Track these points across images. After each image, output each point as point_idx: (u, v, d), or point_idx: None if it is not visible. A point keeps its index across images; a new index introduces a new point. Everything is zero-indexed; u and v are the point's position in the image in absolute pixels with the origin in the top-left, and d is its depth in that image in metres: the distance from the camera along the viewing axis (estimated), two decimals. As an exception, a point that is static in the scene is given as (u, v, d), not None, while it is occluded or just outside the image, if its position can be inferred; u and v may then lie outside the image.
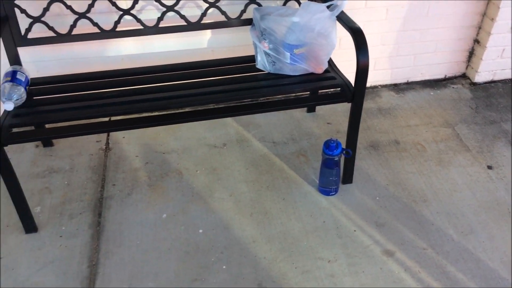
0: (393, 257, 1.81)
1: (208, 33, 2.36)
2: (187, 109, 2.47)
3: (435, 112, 2.58)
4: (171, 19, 2.07)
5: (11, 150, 1.71)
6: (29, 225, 1.89)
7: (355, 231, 1.92)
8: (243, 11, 2.11)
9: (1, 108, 1.80)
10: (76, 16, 1.97)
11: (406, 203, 2.04)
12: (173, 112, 2.01)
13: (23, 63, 2.01)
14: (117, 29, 2.03)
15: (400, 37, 2.61)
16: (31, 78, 1.97)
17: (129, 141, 2.39)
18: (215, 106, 2.32)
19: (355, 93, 1.85)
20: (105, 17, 2.07)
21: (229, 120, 2.53)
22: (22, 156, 2.28)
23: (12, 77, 1.79)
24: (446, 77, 2.85)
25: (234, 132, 2.45)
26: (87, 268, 1.78)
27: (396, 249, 1.84)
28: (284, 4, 2.15)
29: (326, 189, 2.06)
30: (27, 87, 1.86)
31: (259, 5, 2.12)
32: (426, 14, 2.55)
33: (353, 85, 1.86)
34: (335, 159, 1.94)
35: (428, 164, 2.24)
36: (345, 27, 1.85)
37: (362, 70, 1.78)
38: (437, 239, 1.88)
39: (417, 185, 2.12)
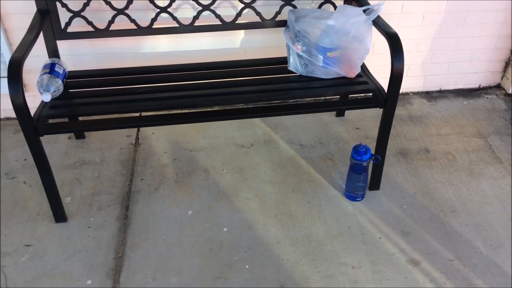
0: (419, 267, 1.79)
1: (241, 33, 2.38)
2: (216, 108, 2.49)
3: (468, 122, 2.53)
4: (206, 18, 2.09)
5: (45, 141, 1.76)
6: (59, 214, 1.94)
7: (380, 238, 1.90)
8: (278, 13, 2.11)
9: (37, 99, 1.85)
10: (115, 12, 2.01)
11: (434, 213, 2.01)
12: (202, 110, 2.04)
13: (61, 56, 2.07)
14: (153, 27, 2.06)
15: (435, 44, 2.57)
16: (68, 71, 2.02)
17: (158, 137, 2.42)
18: (245, 106, 2.34)
19: (387, 99, 1.83)
20: (142, 14, 2.10)
21: (257, 121, 2.54)
22: (55, 147, 2.35)
23: (51, 69, 1.84)
24: (481, 86, 2.79)
25: (261, 133, 2.45)
26: (113, 260, 1.81)
27: (422, 259, 1.81)
28: (320, 6, 2.15)
29: (353, 194, 2.04)
30: (64, 80, 1.91)
31: (294, 7, 2.12)
32: (463, 22, 2.50)
33: (385, 90, 1.84)
34: (364, 164, 1.92)
35: (458, 174, 2.20)
36: (381, 32, 1.83)
37: (396, 76, 1.76)
38: (464, 251, 1.84)
39: (446, 195, 2.09)
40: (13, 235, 1.90)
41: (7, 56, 2.27)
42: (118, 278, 1.75)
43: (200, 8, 2.07)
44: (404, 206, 2.04)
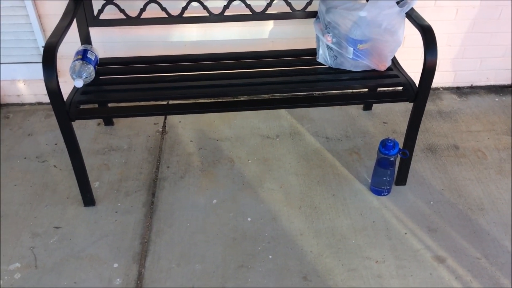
0: (444, 264, 1.76)
1: (270, 24, 2.37)
2: (243, 98, 2.49)
3: (499, 119, 2.47)
4: (236, 8, 2.09)
5: (75, 126, 1.79)
6: (88, 198, 1.98)
7: (405, 234, 1.88)
8: (309, 3, 2.09)
9: (68, 85, 1.89)
10: (147, 0, 2.03)
11: (462, 210, 1.97)
12: (229, 100, 2.04)
13: (92, 43, 2.10)
14: (184, 15, 2.07)
15: (467, 39, 2.51)
16: (99, 58, 2.05)
17: (184, 126, 2.45)
18: (271, 97, 2.33)
19: (418, 93, 1.80)
20: (173, 3, 2.11)
21: (283, 112, 2.53)
22: (85, 133, 2.39)
23: (83, 55, 1.87)
24: (513, 83, 2.73)
25: (287, 125, 2.45)
26: (139, 245, 1.84)
27: (447, 256, 1.79)
28: (351, -2, 2.12)
29: (378, 189, 2.03)
30: (96, 66, 1.94)
31: (325, -2, 2.10)
32: (498, 17, 2.43)
33: (416, 84, 1.82)
34: (391, 159, 1.90)
35: (488, 172, 2.15)
36: (414, 24, 1.80)
37: (429, 70, 1.72)
38: (492, 250, 1.81)
39: (475, 193, 2.05)
40: (43, 217, 1.96)
41: (40, 42, 2.32)
42: (144, 262, 1.78)
43: (231, -3, 2.07)
44: (431, 202, 2.01)
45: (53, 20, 2.19)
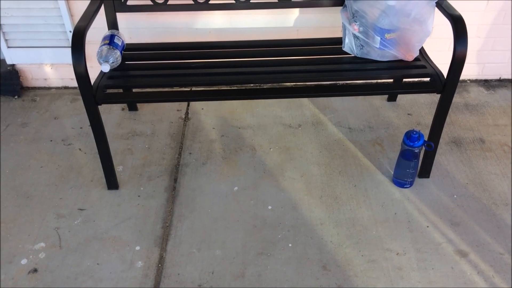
0: (466, 258, 1.74)
1: (295, 12, 2.35)
2: (266, 86, 2.49)
3: (527, 114, 2.42)
4: (262, -5, 2.08)
5: (100, 111, 1.82)
6: (112, 182, 2.02)
7: (427, 227, 1.86)
8: (336, -8, 2.07)
9: (94, 70, 1.91)
10: (173, -14, 2.04)
11: (486, 204, 1.94)
12: (252, 87, 2.04)
13: (119, 29, 2.12)
14: (210, 2, 2.07)
15: (497, 30, 2.45)
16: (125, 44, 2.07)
17: (207, 113, 2.46)
18: (295, 86, 2.32)
19: (446, 84, 1.77)
20: (199, -11, 2.12)
21: (305, 101, 2.52)
22: (109, 118, 2.42)
23: (110, 40, 1.89)
24: (543, 77, 2.66)
25: (310, 114, 2.44)
26: (160, 229, 1.87)
27: (470, 251, 1.77)
28: (379, -14, 2.09)
29: (401, 181, 2.01)
30: (122, 51, 1.96)
31: (353, -14, 2.07)
32: (530, 8, 2.37)
33: (444, 76, 1.78)
34: (415, 151, 1.88)
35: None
36: (444, 14, 1.76)
37: (458, 61, 1.69)
38: (516, 246, 1.78)
39: (500, 188, 2.01)
40: (68, 199, 2.00)
41: (68, 27, 2.35)
42: (165, 246, 1.80)
43: (257, -16, 2.06)
44: (455, 196, 1.98)
45: (80, 5, 2.22)
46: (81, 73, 1.66)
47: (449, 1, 1.84)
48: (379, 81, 2.44)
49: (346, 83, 2.47)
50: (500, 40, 2.49)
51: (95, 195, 2.02)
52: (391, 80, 2.37)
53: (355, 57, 1.97)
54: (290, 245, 1.81)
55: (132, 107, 2.47)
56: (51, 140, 2.30)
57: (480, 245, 1.79)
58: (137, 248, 1.80)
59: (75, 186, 2.06)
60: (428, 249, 1.78)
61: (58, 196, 2.01)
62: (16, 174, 2.12)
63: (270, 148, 2.24)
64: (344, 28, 1.97)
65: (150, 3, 2.05)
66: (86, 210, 1.95)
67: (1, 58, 2.54)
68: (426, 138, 1.95)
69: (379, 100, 2.52)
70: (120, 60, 1.91)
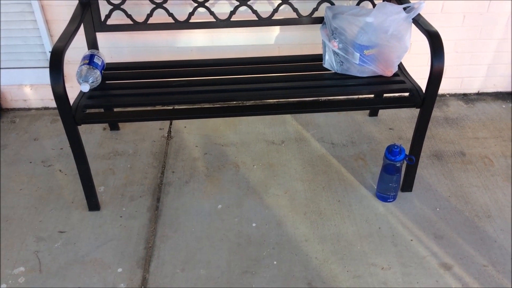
0: (451, 271, 1.75)
1: (276, 29, 2.38)
2: (249, 103, 2.50)
3: (506, 126, 2.46)
4: (242, 14, 2.10)
5: (81, 131, 1.80)
6: (93, 203, 1.98)
7: (411, 240, 1.86)
8: (315, 9, 2.09)
9: (75, 90, 1.90)
10: (154, 6, 2.04)
11: (468, 217, 1.96)
12: (235, 105, 2.04)
13: (99, 48, 2.11)
14: (191, 21, 2.08)
15: (474, 45, 2.50)
16: (105, 63, 2.06)
17: (190, 131, 2.45)
18: (277, 102, 2.34)
19: (425, 99, 1.79)
20: (180, 8, 2.12)
21: (288, 118, 2.53)
22: (90, 138, 2.40)
23: (90, 60, 1.88)
24: (520, 90, 2.71)
25: (293, 130, 2.45)
26: (143, 250, 1.84)
27: (454, 263, 1.77)
28: (358, 4, 2.12)
29: (384, 195, 2.01)
30: (102, 71, 1.95)
31: (332, 3, 2.10)
32: (506, 24, 2.42)
33: (423, 90, 1.81)
34: (397, 165, 1.89)
35: (495, 179, 2.13)
36: (421, 30, 1.80)
37: (436, 76, 1.72)
38: (499, 257, 1.79)
39: (481, 200, 2.03)
40: (48, 221, 1.96)
41: (47, 47, 2.34)
42: (148, 267, 1.77)
43: (237, 3, 2.07)
44: (437, 209, 1.99)
45: (60, 26, 2.21)
46: (59, 94, 1.64)
47: (426, 17, 1.87)
48: (360, 96, 2.46)
49: (328, 99, 2.49)
50: (477, 54, 2.54)
51: (76, 217, 1.98)
52: (372, 96, 2.40)
53: (335, 73, 1.99)
54: (275, 262, 1.79)
55: (114, 127, 2.45)
56: (30, 162, 2.26)
57: (464, 257, 1.80)
58: (119, 270, 1.76)
59: (56, 208, 2.02)
60: (412, 263, 1.78)
61: (38, 219, 1.97)
62: (-6, 197, 2.07)
63: (253, 165, 2.23)
64: (324, 45, 2.00)
65: (131, 22, 2.06)
66: (66, 232, 1.91)
67: (-20, 79, 2.51)
68: (407, 152, 1.97)
69: (361, 115, 2.54)
70: (100, 80, 1.90)
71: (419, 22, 1.83)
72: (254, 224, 1.94)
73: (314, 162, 2.25)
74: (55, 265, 1.78)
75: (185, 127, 2.48)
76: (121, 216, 1.98)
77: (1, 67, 2.43)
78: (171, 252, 1.82)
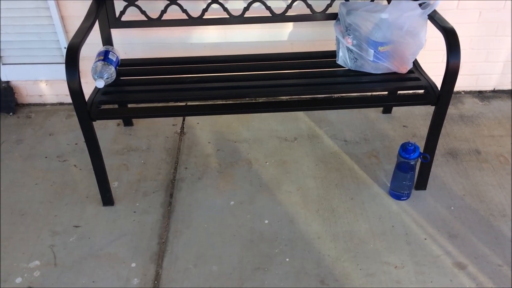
0: (465, 271, 1.73)
1: (289, 26, 2.37)
2: (261, 100, 2.49)
3: (522, 124, 2.43)
4: (256, 10, 2.09)
5: (95, 127, 1.81)
6: (107, 198, 2.00)
7: (425, 239, 1.85)
8: (329, 5, 2.08)
9: (89, 85, 1.91)
10: (167, 2, 2.05)
11: (483, 216, 1.94)
12: (248, 101, 2.04)
13: (113, 45, 2.12)
14: (204, 17, 2.08)
15: (490, 42, 2.47)
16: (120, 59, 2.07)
17: (202, 128, 2.45)
18: (290, 99, 2.33)
19: (440, 96, 1.77)
20: (194, 5, 2.13)
21: (301, 115, 2.52)
22: (105, 133, 2.42)
23: (105, 56, 1.89)
24: (537, 87, 2.67)
25: (305, 127, 2.44)
26: (156, 245, 1.85)
27: (468, 263, 1.76)
28: (372, 0, 2.10)
29: (398, 193, 2.00)
30: (117, 67, 1.96)
31: (346, 0, 2.09)
32: (522, 19, 2.39)
33: (438, 88, 1.79)
34: (411, 163, 1.88)
35: (510, 177, 2.10)
36: (437, 27, 1.78)
37: (451, 72, 1.70)
38: (514, 258, 1.77)
39: (496, 199, 2.01)
40: (63, 216, 1.98)
41: (63, 43, 2.36)
42: (161, 262, 1.78)
43: (251, -1, 2.07)
44: (452, 208, 1.98)
45: (75, 22, 2.22)
46: (75, 89, 1.66)
47: (441, 14, 1.85)
48: (374, 93, 2.45)
49: (341, 96, 2.48)
50: (493, 51, 2.51)
51: (90, 211, 2.00)
52: (386, 93, 2.38)
53: (349, 70, 1.98)
54: (287, 259, 1.79)
55: (128, 123, 2.46)
56: (46, 157, 2.29)
57: (478, 257, 1.78)
58: (133, 265, 1.78)
59: (70, 202, 2.04)
60: (426, 261, 1.77)
61: (53, 213, 1.99)
62: (10, 191, 2.10)
63: (266, 162, 2.23)
64: (338, 42, 1.98)
65: (145, 18, 2.07)
66: (81, 227, 1.93)
67: (-4, 75, 2.54)
68: (421, 150, 1.95)
69: (374, 113, 2.52)
70: (115, 76, 1.91)
71: (434, 18, 1.81)
72: (266, 221, 1.94)
73: (326, 159, 2.24)
74: (70, 259, 1.80)
75: (198, 123, 2.48)
76: (134, 211, 1.99)
77: (17, 62, 2.46)
78: (183, 248, 1.83)
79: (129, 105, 2.29)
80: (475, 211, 1.96)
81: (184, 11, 2.06)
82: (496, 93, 2.66)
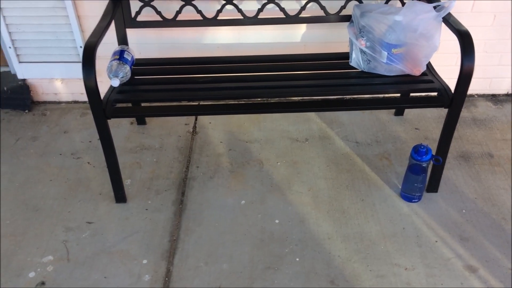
0: (476, 274, 1.72)
1: (302, 27, 2.38)
2: (273, 100, 2.51)
3: (536, 128, 2.41)
4: (270, 11, 2.11)
5: (109, 124, 1.84)
6: (120, 195, 2.03)
7: (436, 242, 1.85)
8: (343, 7, 2.09)
9: (104, 84, 1.94)
10: (182, 3, 2.07)
11: (495, 219, 1.93)
12: (260, 102, 2.06)
13: (128, 44, 2.15)
14: (218, 18, 2.10)
15: (504, 45, 2.45)
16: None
17: (214, 127, 2.47)
18: (302, 100, 2.34)
19: (454, 99, 1.77)
20: (208, 6, 2.15)
21: (312, 116, 2.53)
22: (118, 131, 2.44)
23: (120, 55, 1.92)
24: (551, 92, 2.65)
25: (317, 128, 2.45)
26: (168, 242, 1.87)
27: (479, 266, 1.75)
28: (386, 2, 2.11)
29: (409, 195, 2.00)
30: (132, 66, 1.98)
31: (360, 1, 2.09)
32: (537, 23, 2.38)
33: (452, 90, 1.79)
34: (423, 165, 1.88)
35: (523, 182, 2.10)
36: (451, 29, 1.78)
37: (465, 76, 1.70)
38: (526, 262, 1.76)
39: (509, 203, 2.00)
40: (76, 212, 2.01)
41: (79, 42, 2.39)
42: (172, 260, 1.80)
43: (265, 0, 2.08)
44: (463, 211, 1.97)
45: (91, 21, 2.26)
46: (91, 88, 1.68)
47: (456, 16, 1.85)
48: (386, 95, 2.45)
49: (353, 98, 2.48)
50: (507, 55, 2.49)
51: (103, 208, 2.03)
52: (398, 95, 2.38)
53: (362, 71, 1.99)
54: (297, 259, 1.80)
55: (141, 121, 2.49)
56: (60, 154, 2.32)
57: (489, 260, 1.77)
58: (145, 261, 1.80)
59: (84, 199, 2.07)
60: (437, 264, 1.76)
61: (66, 210, 2.02)
62: (25, 187, 2.14)
63: (277, 162, 2.24)
64: (351, 43, 1.99)
65: (160, 19, 2.09)
66: (94, 223, 1.96)
67: (13, 73, 2.58)
68: (434, 152, 1.95)
69: (386, 114, 2.52)
70: (130, 75, 1.94)
71: (449, 21, 1.81)
72: (277, 221, 1.95)
73: (338, 160, 2.24)
74: (83, 255, 1.83)
75: (210, 123, 2.50)
76: (146, 209, 2.01)
77: (33, 61, 2.50)
78: (195, 246, 1.85)
79: (143, 104, 2.31)
80: (487, 214, 1.95)
81: (199, 11, 2.08)
82: (510, 97, 2.64)
